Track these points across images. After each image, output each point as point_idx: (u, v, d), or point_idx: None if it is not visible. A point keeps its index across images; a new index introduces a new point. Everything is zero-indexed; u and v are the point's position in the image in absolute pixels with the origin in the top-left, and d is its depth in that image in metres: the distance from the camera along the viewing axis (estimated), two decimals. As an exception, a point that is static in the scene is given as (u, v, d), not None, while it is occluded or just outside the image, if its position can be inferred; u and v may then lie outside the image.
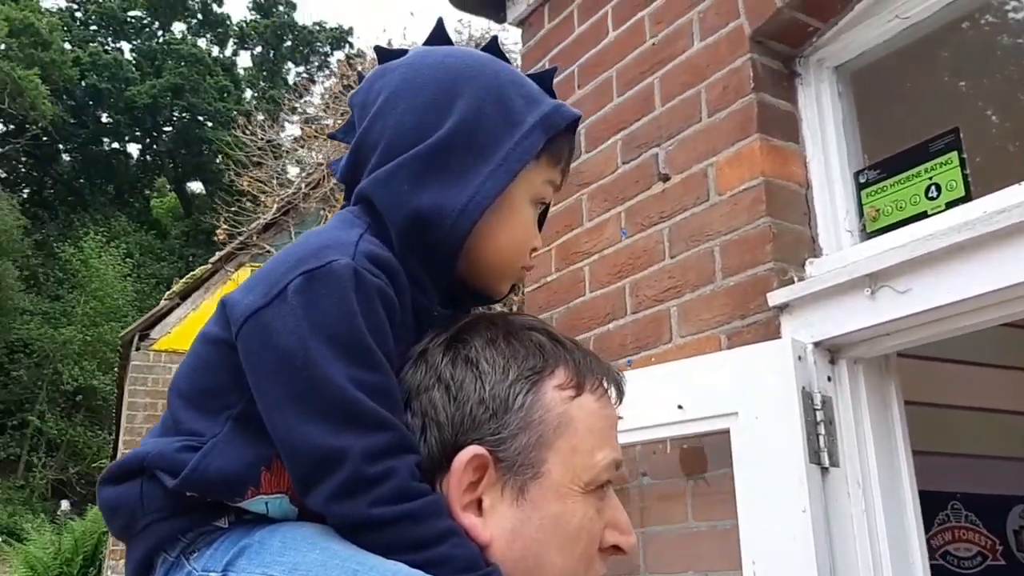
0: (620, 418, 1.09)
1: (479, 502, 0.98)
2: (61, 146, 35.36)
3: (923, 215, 2.19)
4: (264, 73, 26.16)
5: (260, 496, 0.99)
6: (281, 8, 26.98)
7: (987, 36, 2.89)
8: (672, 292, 2.50)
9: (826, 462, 2.08)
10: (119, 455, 9.61)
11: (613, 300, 2.69)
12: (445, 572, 0.91)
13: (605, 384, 1.07)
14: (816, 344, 2.15)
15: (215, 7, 28.33)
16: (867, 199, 2.33)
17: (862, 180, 2.35)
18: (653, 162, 2.61)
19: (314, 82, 17.86)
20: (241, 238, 9.48)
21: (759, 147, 2.31)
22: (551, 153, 1.13)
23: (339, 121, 10.23)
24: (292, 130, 14.30)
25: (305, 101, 15.62)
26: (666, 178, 2.57)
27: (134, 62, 33.30)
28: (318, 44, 26.01)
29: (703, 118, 2.48)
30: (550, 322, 2.55)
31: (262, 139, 10.23)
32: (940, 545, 3.01)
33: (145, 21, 33.79)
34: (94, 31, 35.09)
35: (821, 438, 2.09)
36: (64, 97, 32.55)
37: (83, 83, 33.11)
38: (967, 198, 2.11)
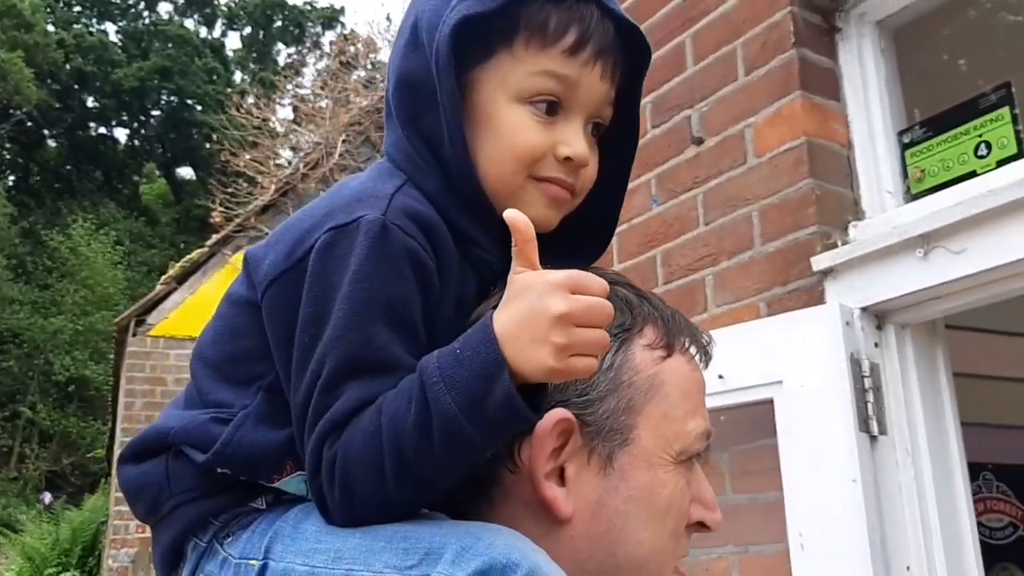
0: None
1: (562, 471, 0.89)
2: (46, 131, 35.01)
3: (972, 174, 2.11)
4: (254, 54, 25.90)
5: (299, 473, 0.91)
6: (270, -13, 26.83)
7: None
8: (708, 260, 2.42)
9: (875, 430, 2.02)
10: (117, 444, 9.50)
11: (643, 271, 2.61)
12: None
13: (694, 347, 0.99)
14: (863, 309, 2.08)
15: (202, -13, 28.12)
16: (912, 159, 2.25)
17: (906, 140, 2.27)
18: (686, 125, 2.52)
19: (305, 64, 17.66)
20: (238, 220, 9.34)
21: (801, 105, 2.23)
22: (526, 34, 0.94)
23: (335, 101, 10.11)
24: (283, 113, 14.16)
25: (297, 83, 15.50)
26: (700, 141, 2.48)
27: (120, 44, 32.91)
28: (309, 24, 25.74)
29: (739, 76, 2.39)
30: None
31: (257, 118, 10.10)
32: (973, 517, 2.96)
33: (130, 1, 33.39)
34: (78, 12, 34.65)
35: (870, 406, 2.02)
36: (49, 81, 32.17)
37: (68, 66, 32.71)
38: (1020, 155, 2.03)
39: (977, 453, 2.91)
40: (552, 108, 0.96)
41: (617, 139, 1.04)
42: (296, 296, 0.88)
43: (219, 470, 0.90)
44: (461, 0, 0.93)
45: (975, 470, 3.25)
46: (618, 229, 2.69)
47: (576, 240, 1.05)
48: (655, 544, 0.91)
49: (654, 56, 2.62)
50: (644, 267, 2.62)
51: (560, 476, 0.89)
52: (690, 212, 2.49)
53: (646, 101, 2.67)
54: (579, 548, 0.89)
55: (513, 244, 0.82)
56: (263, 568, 0.86)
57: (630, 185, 1.12)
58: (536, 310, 0.79)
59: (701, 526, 0.96)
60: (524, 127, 0.95)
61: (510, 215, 0.82)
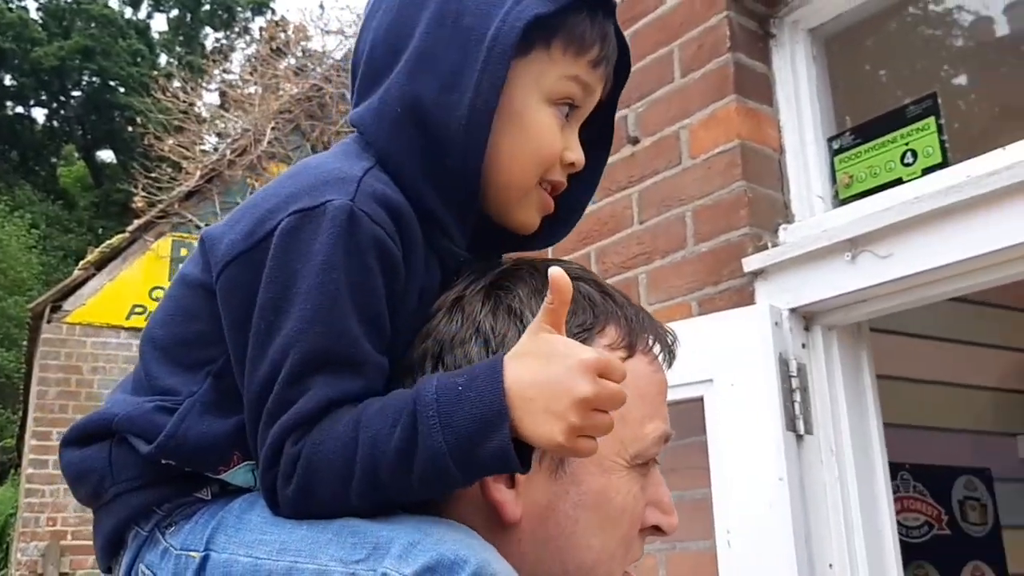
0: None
1: (512, 475, 0.87)
2: (-40, 109, 33.65)
3: (898, 181, 2.17)
4: (180, 37, 25.27)
5: (247, 463, 0.88)
6: (199, -29, 26.23)
7: (960, 3, 2.90)
8: (641, 259, 2.44)
9: (801, 429, 2.06)
10: (29, 434, 9.20)
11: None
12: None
13: (657, 346, 0.96)
14: (792, 311, 2.12)
15: (128, -33, 27.33)
16: (840, 165, 2.30)
17: (836, 146, 2.32)
18: (623, 124, 2.53)
19: (234, 49, 17.32)
20: (161, 206, 9.11)
21: (735, 109, 2.26)
22: (565, 39, 0.95)
23: (264, 88, 9.94)
24: (210, 98, 13.86)
25: (225, 68, 15.17)
26: (636, 141, 2.50)
27: (40, 21, 31.82)
28: (238, 9, 25.23)
29: (676, 78, 2.42)
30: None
31: (184, 103, 9.86)
32: (890, 514, 3.05)
33: (52, -21, 32.30)
34: (-3, -12, 33.41)
35: (797, 405, 2.06)
36: (-36, 57, 30.94)
37: (-16, 43, 31.51)
38: (944, 165, 2.09)
39: (896, 453, 3.00)
40: (571, 112, 0.98)
41: (593, 140, 1.05)
42: (254, 279, 0.85)
43: (163, 461, 0.87)
44: None
45: (894, 470, 3.35)
46: (553, 226, 2.71)
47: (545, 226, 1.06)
48: (604, 550, 0.89)
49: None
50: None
51: (511, 478, 0.87)
52: (625, 211, 2.51)
53: (583, 99, 2.67)
54: (526, 552, 0.87)
55: (548, 301, 0.80)
56: (204, 559, 0.84)
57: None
58: (562, 383, 0.78)
59: (656, 530, 0.94)
60: (550, 129, 0.96)
61: (555, 275, 0.79)
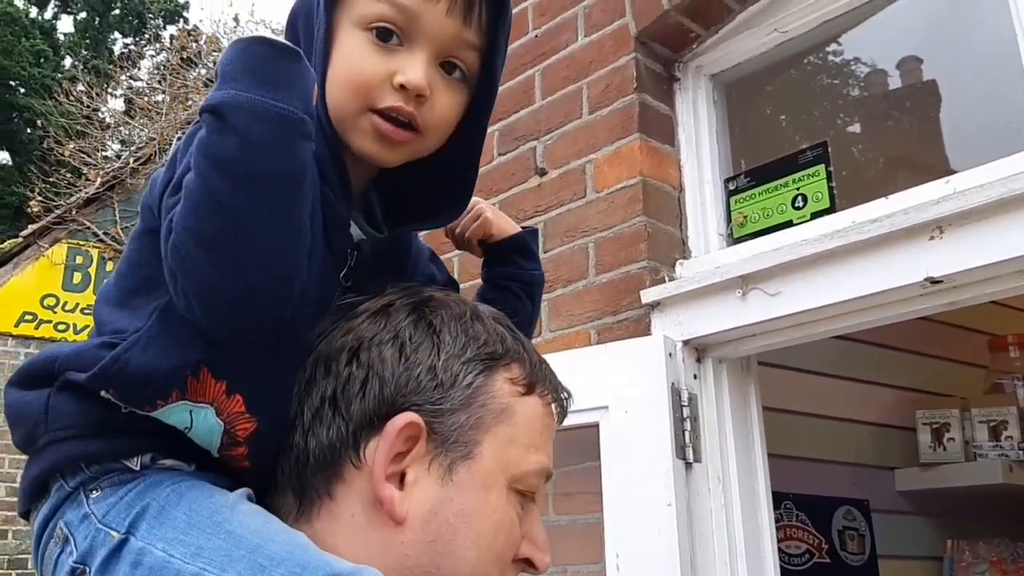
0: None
1: (402, 475, 0.92)
2: None
3: (789, 223, 2.28)
4: (87, 41, 24.52)
5: (184, 402, 0.90)
6: (111, -26, 25.54)
7: (857, 55, 3.07)
8: (544, 287, 2.48)
9: (691, 457, 2.13)
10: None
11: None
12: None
13: (552, 396, 1.03)
14: (685, 342, 2.20)
15: (35, -35, 26.45)
16: (736, 205, 2.40)
17: (731, 187, 2.43)
18: (531, 155, 2.60)
19: (143, 56, 16.91)
20: (58, 212, 8.81)
21: (639, 147, 2.35)
22: None
23: (173, 97, 9.73)
24: (115, 104, 13.50)
25: (132, 75, 14.81)
26: (543, 172, 2.57)
27: (-64, 16, 30.53)
28: (150, 16, 24.66)
29: (584, 114, 2.49)
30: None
31: (88, 107, 9.58)
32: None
33: (-48, -27, 31.02)
34: None
35: (687, 434, 2.13)
36: None
37: None
38: (831, 210, 2.21)
39: (780, 483, 3.11)
40: (386, 35, 0.98)
41: (480, 97, 1.06)
42: None
43: (102, 393, 0.88)
44: None
45: (778, 499, 3.46)
46: (461, 252, 2.75)
47: (439, 201, 1.11)
48: (479, 564, 0.93)
49: (506, 86, 2.70)
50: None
51: (401, 480, 0.92)
52: (530, 239, 2.56)
53: (494, 128, 2.73)
54: (407, 554, 0.91)
55: None
56: (122, 542, 0.86)
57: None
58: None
59: (528, 564, 0.99)
60: (360, 51, 0.98)
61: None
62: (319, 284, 0.96)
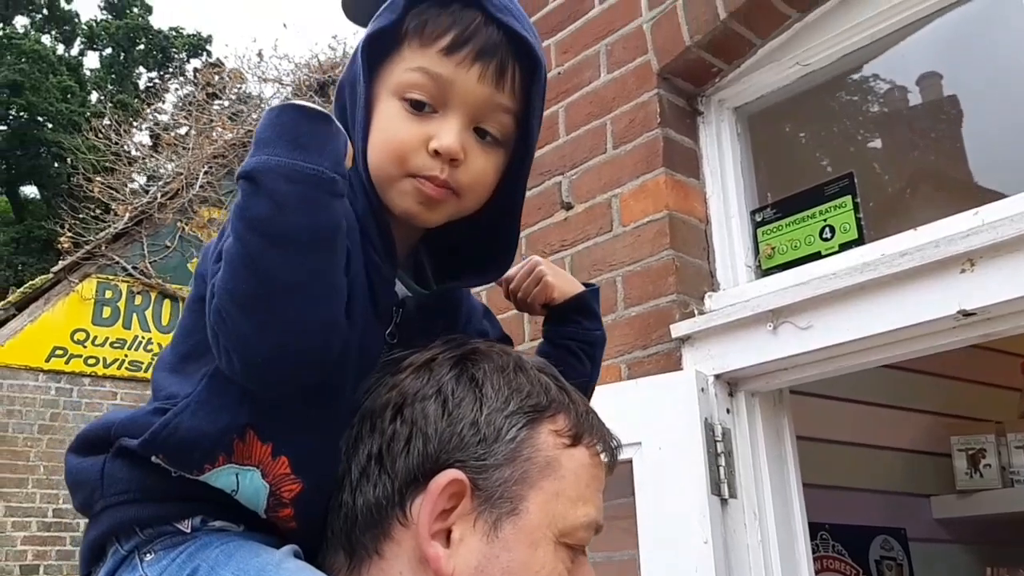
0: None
1: (448, 532, 0.92)
2: None
3: (817, 255, 2.27)
4: (113, 75, 24.94)
5: (231, 465, 0.92)
6: (136, 10, 25.84)
7: (881, 86, 3.07)
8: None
9: (726, 493, 2.12)
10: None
11: (512, 327, 2.65)
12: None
13: (600, 446, 1.02)
14: (717, 377, 2.19)
15: (63, 3, 26.83)
16: (763, 237, 2.40)
17: (758, 219, 2.42)
18: (557, 190, 2.61)
19: (167, 90, 17.15)
20: (88, 248, 8.92)
21: (664, 181, 2.35)
22: (411, 36, 1.01)
23: (198, 132, 9.86)
24: (141, 138, 13.68)
25: (156, 108, 15.01)
26: (569, 207, 2.58)
27: (-34, 55, 31.12)
28: (174, 50, 25.04)
29: (608, 149, 2.50)
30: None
31: (116, 143, 9.71)
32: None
33: (-19, 12, 31.60)
34: (-78, 19, 32.57)
35: (721, 469, 2.12)
36: None
37: (-93, 73, 30.61)
38: (860, 241, 2.20)
39: (816, 513, 3.09)
40: (419, 105, 1.01)
41: (518, 157, 1.08)
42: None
43: (152, 458, 0.90)
44: (376, 18, 1.03)
45: (814, 529, 3.43)
46: (488, 287, 2.76)
47: (484, 259, 1.13)
48: None
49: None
50: (513, 323, 2.67)
51: (447, 537, 0.92)
52: (558, 275, 2.57)
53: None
54: None
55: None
56: None
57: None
58: None
59: None
60: (395, 119, 1.01)
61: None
62: (363, 342, 0.97)
